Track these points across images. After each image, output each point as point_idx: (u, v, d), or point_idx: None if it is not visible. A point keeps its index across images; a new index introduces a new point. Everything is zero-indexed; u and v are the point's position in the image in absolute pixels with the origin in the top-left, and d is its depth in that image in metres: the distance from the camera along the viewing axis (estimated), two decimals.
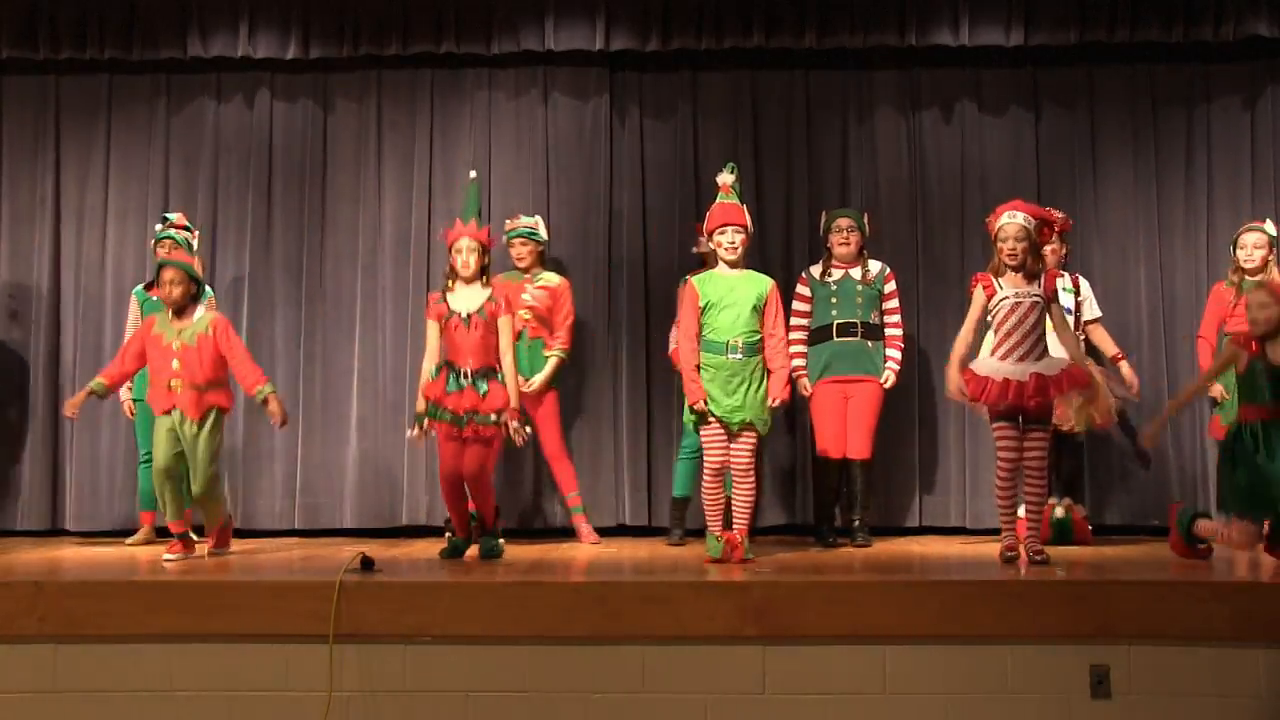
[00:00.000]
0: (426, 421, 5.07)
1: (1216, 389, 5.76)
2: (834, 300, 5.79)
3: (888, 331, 5.85)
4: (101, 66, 6.65)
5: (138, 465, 6.03)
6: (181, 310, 5.23)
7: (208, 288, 6.08)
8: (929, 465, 6.47)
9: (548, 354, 5.97)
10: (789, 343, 5.64)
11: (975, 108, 6.61)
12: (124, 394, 6.05)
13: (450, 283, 5.22)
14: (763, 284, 5.04)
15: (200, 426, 5.09)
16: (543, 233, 6.11)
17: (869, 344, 5.76)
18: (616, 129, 6.64)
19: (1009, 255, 4.84)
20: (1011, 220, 4.87)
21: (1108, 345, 5.83)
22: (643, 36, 6.42)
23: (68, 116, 6.73)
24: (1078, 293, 5.78)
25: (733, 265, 5.04)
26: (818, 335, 5.81)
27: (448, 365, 5.11)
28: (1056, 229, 5.70)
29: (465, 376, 5.06)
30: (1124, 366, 5.78)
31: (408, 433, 5.25)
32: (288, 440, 6.53)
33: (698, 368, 4.92)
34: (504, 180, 6.65)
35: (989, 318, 4.91)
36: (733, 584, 4.19)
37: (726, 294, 4.96)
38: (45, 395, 6.53)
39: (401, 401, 6.46)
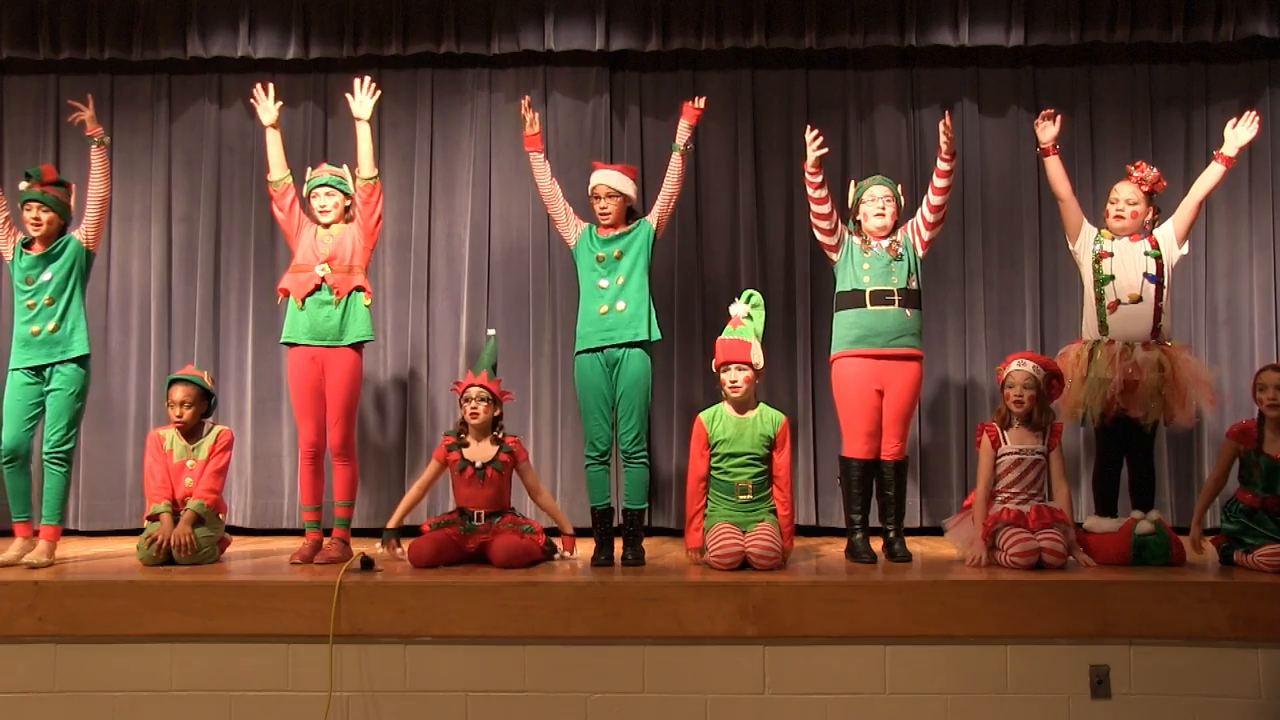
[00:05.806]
0: (395, 540, 5.11)
1: None
2: (866, 265, 5.15)
3: (934, 200, 5.18)
4: (101, 67, 6.66)
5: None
6: (192, 432, 5.19)
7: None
8: (929, 465, 6.46)
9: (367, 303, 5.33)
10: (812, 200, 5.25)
11: (975, 108, 6.61)
12: None
13: (463, 434, 5.13)
14: (773, 424, 4.83)
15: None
16: (349, 185, 5.52)
17: (907, 312, 5.10)
18: (616, 129, 6.64)
19: (1014, 402, 4.81)
20: (1020, 368, 4.84)
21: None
22: (643, 36, 6.42)
23: (68, 117, 6.72)
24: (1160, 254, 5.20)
25: (741, 406, 4.84)
26: (848, 300, 5.17)
27: (459, 511, 5.07)
28: (1147, 188, 5.27)
29: (479, 519, 5.01)
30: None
31: (377, 547, 5.16)
32: (291, 441, 6.53)
33: (701, 512, 4.80)
34: (504, 180, 6.65)
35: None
36: (733, 584, 4.19)
37: (736, 437, 4.78)
38: None
39: (403, 403, 6.47)
